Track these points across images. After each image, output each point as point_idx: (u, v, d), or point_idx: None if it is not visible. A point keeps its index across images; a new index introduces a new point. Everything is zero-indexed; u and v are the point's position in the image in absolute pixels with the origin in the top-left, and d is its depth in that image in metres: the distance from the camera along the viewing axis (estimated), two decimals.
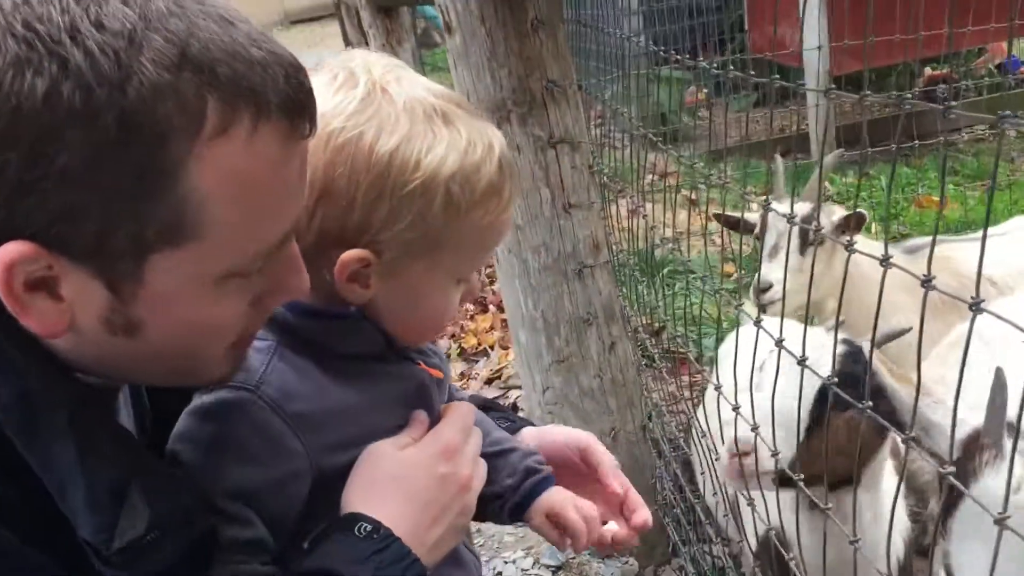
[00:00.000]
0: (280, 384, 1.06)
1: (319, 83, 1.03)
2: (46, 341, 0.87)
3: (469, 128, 1.09)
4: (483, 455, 1.23)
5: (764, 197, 1.47)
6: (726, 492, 2.08)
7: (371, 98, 1.06)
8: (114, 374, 0.96)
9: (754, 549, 2.02)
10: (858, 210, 3.08)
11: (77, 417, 0.87)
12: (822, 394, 1.70)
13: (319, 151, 1.02)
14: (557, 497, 1.25)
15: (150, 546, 0.88)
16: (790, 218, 1.35)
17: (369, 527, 1.02)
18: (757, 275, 3.10)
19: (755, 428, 1.61)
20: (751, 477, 1.77)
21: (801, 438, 1.66)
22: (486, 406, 1.43)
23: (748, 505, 1.66)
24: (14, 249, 0.78)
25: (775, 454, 1.55)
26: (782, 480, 1.75)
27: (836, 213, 3.12)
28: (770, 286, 2.94)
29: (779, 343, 1.38)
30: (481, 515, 1.25)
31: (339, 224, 1.05)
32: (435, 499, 1.09)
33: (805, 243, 2.97)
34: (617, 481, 1.35)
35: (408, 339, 1.19)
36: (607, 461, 1.36)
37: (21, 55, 0.74)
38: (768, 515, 1.65)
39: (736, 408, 1.69)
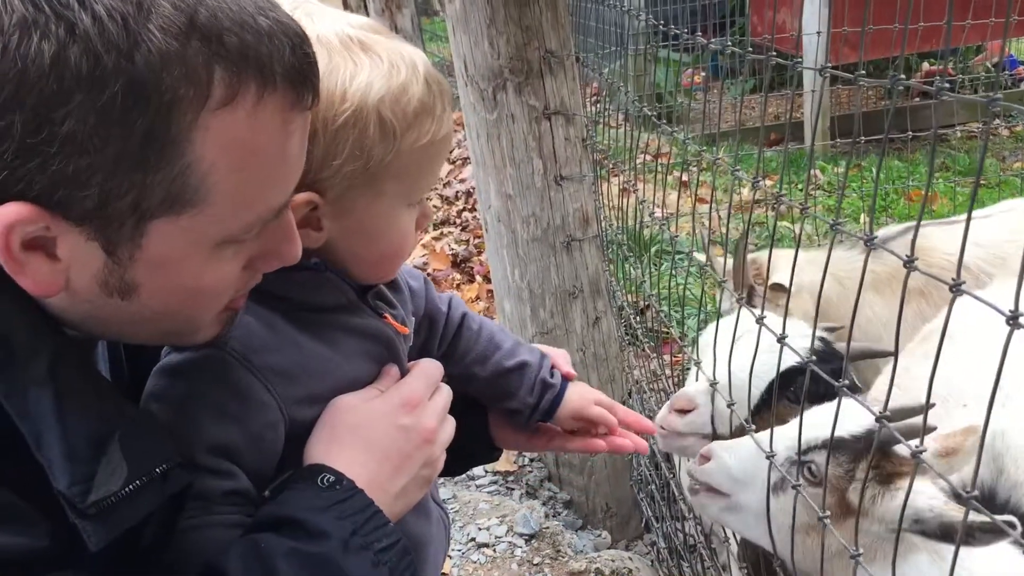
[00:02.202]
0: (247, 338, 1.06)
1: None
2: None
3: (389, 51, 1.07)
4: (500, 371, 1.36)
5: (755, 192, 1.47)
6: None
7: None
8: (102, 332, 0.96)
9: (739, 541, 2.05)
10: (774, 282, 2.89)
11: (58, 366, 0.86)
12: (784, 378, 1.69)
13: None
14: (576, 400, 1.40)
15: (125, 500, 0.87)
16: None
17: (332, 478, 1.02)
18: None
19: (714, 384, 1.63)
20: (682, 437, 1.81)
21: (751, 408, 1.68)
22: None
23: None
24: (14, 211, 0.78)
25: (731, 404, 1.58)
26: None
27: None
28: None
29: (759, 320, 1.39)
30: (509, 427, 1.41)
31: None
32: (396, 449, 1.09)
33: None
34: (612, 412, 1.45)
35: (373, 275, 1.18)
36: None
37: (28, 16, 0.73)
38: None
39: (714, 384, 1.71)
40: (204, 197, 0.83)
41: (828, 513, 1.12)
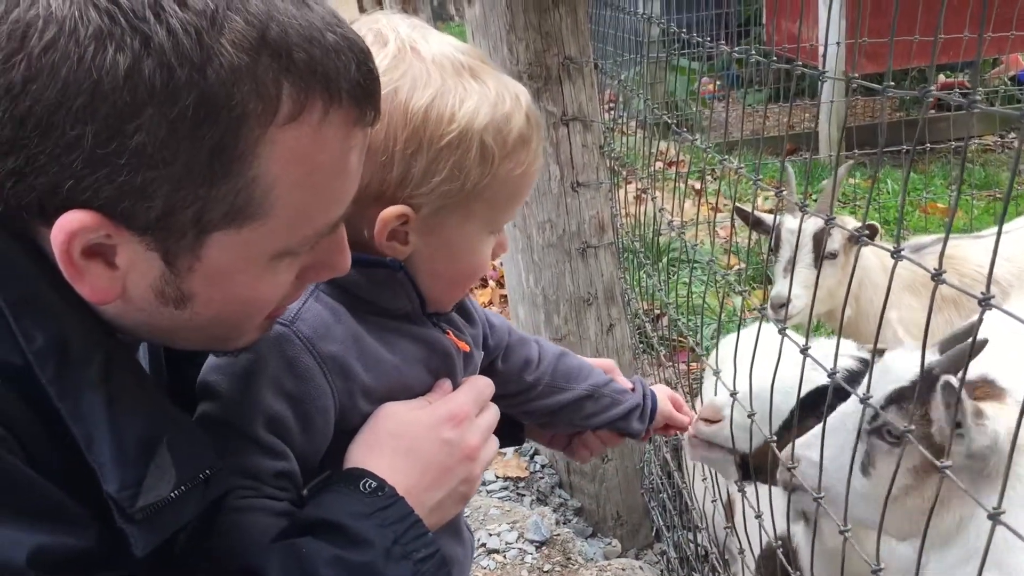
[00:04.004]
0: (315, 323, 1.08)
1: None
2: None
3: (496, 82, 1.11)
4: (604, 383, 1.50)
5: (778, 191, 1.46)
6: (719, 492, 2.09)
7: (401, 55, 1.07)
8: (149, 337, 0.97)
9: (756, 557, 2.03)
10: (869, 222, 3.06)
11: (111, 369, 0.86)
12: (813, 395, 1.69)
13: None
14: (663, 407, 1.59)
15: (170, 505, 0.87)
16: (827, 220, 1.34)
17: (374, 483, 1.03)
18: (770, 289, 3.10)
19: (733, 393, 1.62)
20: (712, 449, 1.80)
21: (775, 428, 1.67)
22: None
23: (756, 518, 1.67)
24: (78, 218, 0.78)
25: (751, 415, 1.57)
26: (743, 464, 1.78)
27: (848, 223, 3.11)
28: (786, 302, 2.92)
29: (782, 330, 1.38)
30: (626, 433, 1.55)
31: (378, 180, 1.07)
32: (437, 462, 1.10)
33: (818, 257, 2.96)
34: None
35: (443, 296, 1.21)
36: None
37: (104, 28, 0.73)
38: (775, 527, 1.67)
39: (734, 394, 1.70)
40: (267, 211, 0.83)
41: (949, 463, 1.08)
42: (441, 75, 1.07)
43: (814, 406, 1.70)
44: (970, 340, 1.43)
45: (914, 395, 1.40)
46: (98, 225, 0.78)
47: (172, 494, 0.87)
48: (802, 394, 1.68)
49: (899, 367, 1.47)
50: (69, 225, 0.78)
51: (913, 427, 1.23)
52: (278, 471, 1.04)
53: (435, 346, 1.20)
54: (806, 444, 1.52)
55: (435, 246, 1.14)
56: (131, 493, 0.84)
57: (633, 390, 1.55)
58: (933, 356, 1.50)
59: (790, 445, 1.51)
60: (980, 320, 1.05)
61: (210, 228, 0.82)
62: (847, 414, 1.48)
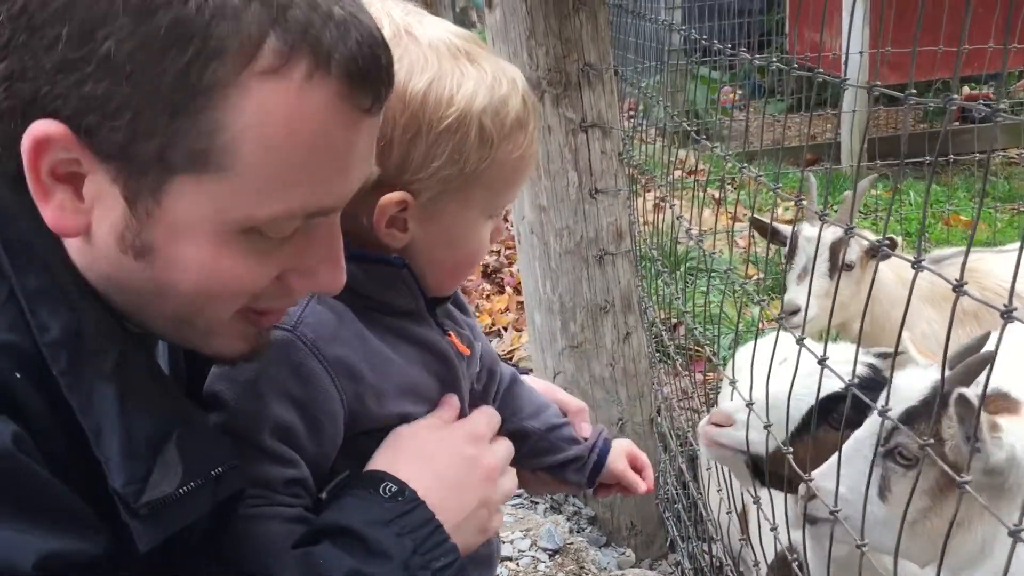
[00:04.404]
0: (318, 326, 1.07)
1: None
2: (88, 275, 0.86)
3: (492, 65, 1.11)
4: (552, 425, 1.38)
5: (797, 200, 1.45)
6: (734, 501, 2.07)
7: (397, 39, 1.05)
8: (123, 306, 0.93)
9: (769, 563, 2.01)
10: (889, 235, 3.03)
11: (124, 363, 0.86)
12: (826, 403, 1.66)
13: None
14: (614, 465, 1.40)
15: (176, 502, 0.86)
16: (847, 229, 1.32)
17: (394, 487, 1.02)
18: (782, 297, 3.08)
19: (750, 404, 1.61)
20: (723, 448, 1.79)
21: (790, 431, 1.65)
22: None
23: (771, 531, 1.65)
24: (44, 127, 0.78)
25: (767, 426, 1.55)
26: (756, 467, 1.76)
27: (866, 239, 3.09)
28: (797, 310, 2.90)
29: (822, 361, 1.36)
30: (563, 482, 1.42)
31: (378, 166, 1.04)
32: (458, 477, 1.10)
33: (834, 267, 2.93)
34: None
35: (447, 283, 1.20)
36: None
37: None
38: (790, 535, 1.65)
39: (750, 404, 1.68)
40: (230, 164, 0.80)
41: (969, 478, 1.05)
42: (438, 59, 1.06)
43: (824, 413, 1.69)
44: (982, 352, 1.43)
45: (925, 414, 1.38)
46: (64, 138, 0.78)
47: (179, 491, 0.86)
48: (809, 401, 1.67)
49: (908, 386, 1.45)
50: (36, 132, 0.78)
51: (932, 441, 1.21)
52: (288, 479, 1.03)
53: (435, 350, 1.18)
54: (823, 475, 1.49)
55: (434, 233, 1.12)
56: (136, 488, 0.83)
57: (587, 440, 1.42)
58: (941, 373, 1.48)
59: (818, 473, 1.48)
60: (987, 335, 1.04)
61: (171, 169, 0.80)
62: (860, 440, 1.46)
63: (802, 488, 1.51)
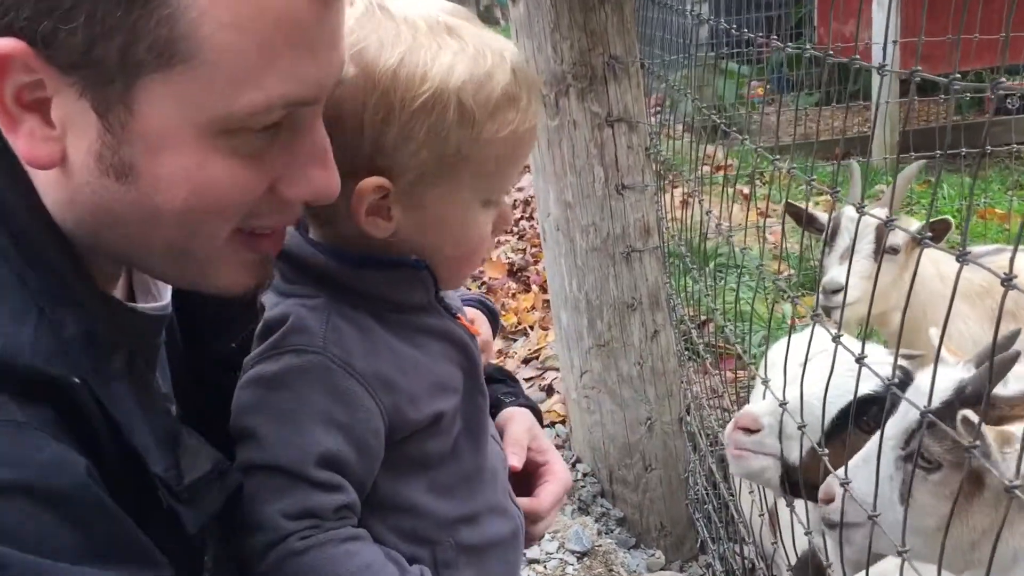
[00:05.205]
0: (346, 342, 1.02)
1: None
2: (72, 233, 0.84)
3: (477, 38, 1.02)
4: None
5: (833, 192, 1.39)
6: (766, 501, 2.02)
7: (369, 14, 1.00)
8: (113, 245, 0.89)
9: (792, 564, 1.96)
10: (943, 216, 2.95)
11: (132, 362, 0.85)
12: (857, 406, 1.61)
13: None
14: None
15: (207, 486, 0.87)
16: (888, 221, 1.26)
17: None
18: (819, 275, 3.00)
19: (783, 404, 1.55)
20: (749, 457, 1.74)
21: (823, 432, 1.60)
22: (498, 377, 1.41)
23: (806, 534, 1.60)
24: (2, 44, 0.75)
25: (802, 427, 1.50)
26: (788, 476, 1.71)
27: (912, 224, 3.00)
28: (840, 288, 2.81)
29: (859, 360, 1.30)
30: None
31: (351, 151, 0.98)
32: None
33: (879, 250, 2.85)
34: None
35: (456, 275, 1.15)
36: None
37: None
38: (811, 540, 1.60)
39: (783, 404, 1.63)
40: (195, 50, 0.77)
41: (1019, 482, 0.98)
42: (413, 33, 0.99)
43: (846, 417, 1.62)
44: (1010, 351, 1.36)
45: (948, 416, 1.32)
46: (23, 54, 0.75)
47: (212, 474, 0.87)
48: (839, 403, 1.61)
49: (928, 388, 1.38)
50: None
51: (978, 443, 1.16)
52: (338, 505, 0.99)
53: (454, 338, 1.13)
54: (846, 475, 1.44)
55: (424, 221, 1.05)
56: (176, 474, 0.84)
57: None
58: (968, 371, 1.42)
59: (831, 476, 1.43)
60: (1018, 332, 0.99)
61: (138, 68, 0.77)
62: (885, 440, 1.39)
63: (822, 491, 1.46)
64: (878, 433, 1.41)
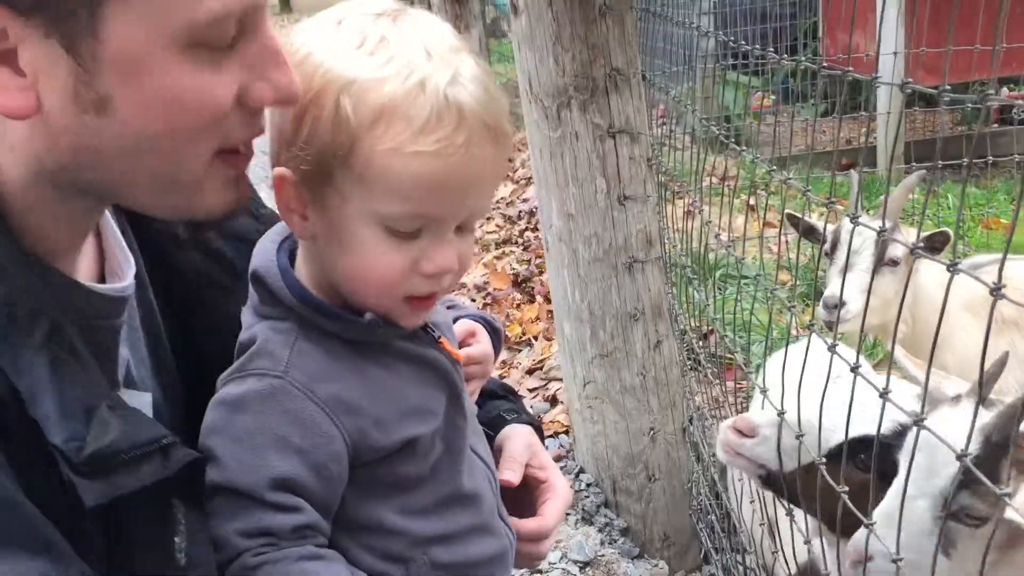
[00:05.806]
0: (308, 367, 1.03)
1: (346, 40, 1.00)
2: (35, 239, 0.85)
3: (411, 50, 0.97)
4: None
5: (831, 204, 1.39)
6: (765, 512, 2.02)
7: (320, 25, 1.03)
8: (97, 181, 0.90)
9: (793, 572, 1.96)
10: (942, 228, 2.95)
11: (52, 336, 0.85)
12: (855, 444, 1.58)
13: None
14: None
15: (123, 465, 0.85)
16: (880, 231, 1.25)
17: None
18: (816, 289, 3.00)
19: (781, 413, 1.55)
20: (740, 458, 1.74)
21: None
22: (500, 394, 1.42)
23: (805, 543, 1.60)
24: None
25: (799, 436, 1.49)
26: (770, 481, 1.71)
27: (911, 236, 3.00)
28: (842, 304, 2.79)
29: (854, 369, 1.30)
30: None
31: (272, 139, 1.01)
32: None
33: (879, 262, 2.84)
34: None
35: (356, 296, 1.07)
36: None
37: None
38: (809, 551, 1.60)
39: (781, 413, 1.63)
40: None
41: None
42: (345, 36, 0.99)
43: (854, 453, 1.57)
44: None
45: (986, 472, 1.28)
46: None
47: (127, 455, 0.85)
48: (852, 430, 1.58)
49: (952, 435, 1.31)
50: None
51: (1010, 491, 1.14)
52: (296, 525, 1.00)
53: (433, 365, 1.13)
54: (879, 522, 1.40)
55: (327, 228, 1.03)
56: (77, 445, 0.82)
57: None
58: (970, 404, 1.39)
59: (859, 534, 1.35)
60: (1007, 356, 0.98)
61: None
62: (914, 500, 1.32)
63: (851, 547, 1.41)
64: (898, 483, 1.36)
